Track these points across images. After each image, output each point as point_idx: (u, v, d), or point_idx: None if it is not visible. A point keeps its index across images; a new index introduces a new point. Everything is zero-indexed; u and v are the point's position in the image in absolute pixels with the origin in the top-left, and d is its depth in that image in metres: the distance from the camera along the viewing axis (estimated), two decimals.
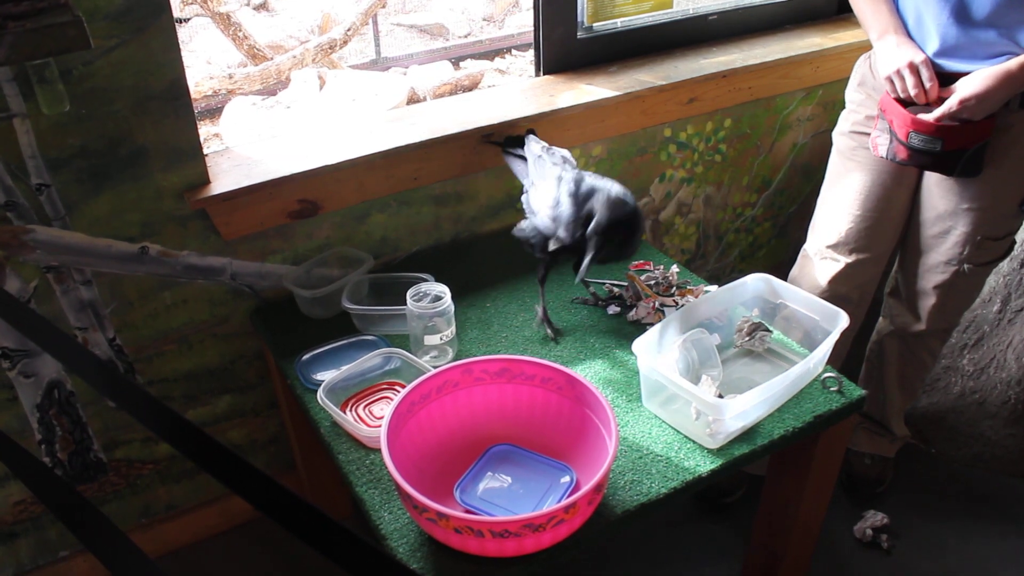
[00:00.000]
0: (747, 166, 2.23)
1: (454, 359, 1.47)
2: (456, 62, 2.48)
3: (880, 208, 1.71)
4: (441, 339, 1.47)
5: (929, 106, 1.50)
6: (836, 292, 1.77)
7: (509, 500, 1.21)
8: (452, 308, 1.47)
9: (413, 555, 1.15)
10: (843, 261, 1.77)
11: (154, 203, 1.51)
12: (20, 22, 1.13)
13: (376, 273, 1.69)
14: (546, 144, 1.63)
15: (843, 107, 1.78)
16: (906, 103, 1.52)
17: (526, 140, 1.66)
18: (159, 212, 1.52)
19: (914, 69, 1.49)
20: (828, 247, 1.79)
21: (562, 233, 1.45)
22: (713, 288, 1.59)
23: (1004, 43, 1.44)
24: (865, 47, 1.71)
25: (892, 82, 1.53)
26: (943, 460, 2.15)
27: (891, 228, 1.75)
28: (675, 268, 1.69)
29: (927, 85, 1.48)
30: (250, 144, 1.70)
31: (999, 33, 1.43)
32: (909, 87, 1.49)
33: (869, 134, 1.65)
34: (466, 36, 3.13)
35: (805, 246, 1.87)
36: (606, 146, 1.95)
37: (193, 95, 1.67)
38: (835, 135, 1.80)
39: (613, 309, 1.62)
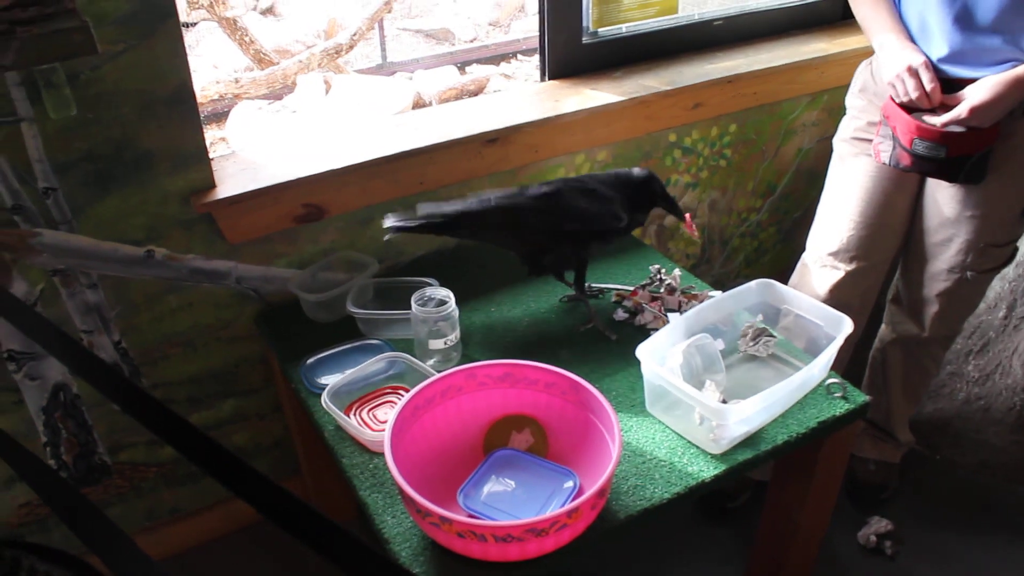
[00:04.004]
0: (752, 171, 2.23)
1: (458, 363, 1.48)
2: (462, 67, 2.49)
3: (881, 215, 1.71)
4: (445, 343, 1.47)
5: (933, 112, 1.50)
6: (838, 300, 1.76)
7: (512, 505, 1.21)
8: (456, 312, 1.47)
9: (416, 559, 1.15)
10: (844, 269, 1.77)
11: (160, 207, 1.52)
12: (28, 27, 1.14)
13: (381, 277, 1.69)
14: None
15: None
16: (910, 109, 1.52)
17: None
18: (165, 216, 1.53)
19: (913, 72, 1.48)
20: (829, 254, 1.78)
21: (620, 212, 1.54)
22: (718, 293, 1.59)
23: (1009, 49, 1.44)
24: (869, 52, 1.71)
25: (894, 87, 1.52)
26: (948, 466, 2.14)
27: (892, 235, 1.75)
28: (677, 272, 1.69)
29: (928, 87, 1.48)
30: (256, 148, 1.71)
31: (1004, 40, 1.43)
32: (910, 91, 1.49)
33: (870, 140, 1.65)
34: (472, 41, 3.14)
35: (804, 256, 1.86)
36: (611, 151, 1.96)
37: (199, 99, 1.68)
38: (835, 141, 1.79)
39: (620, 315, 1.62)
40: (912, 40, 1.54)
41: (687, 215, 1.56)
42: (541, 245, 1.55)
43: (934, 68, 1.50)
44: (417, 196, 1.75)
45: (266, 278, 1.69)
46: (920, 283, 1.77)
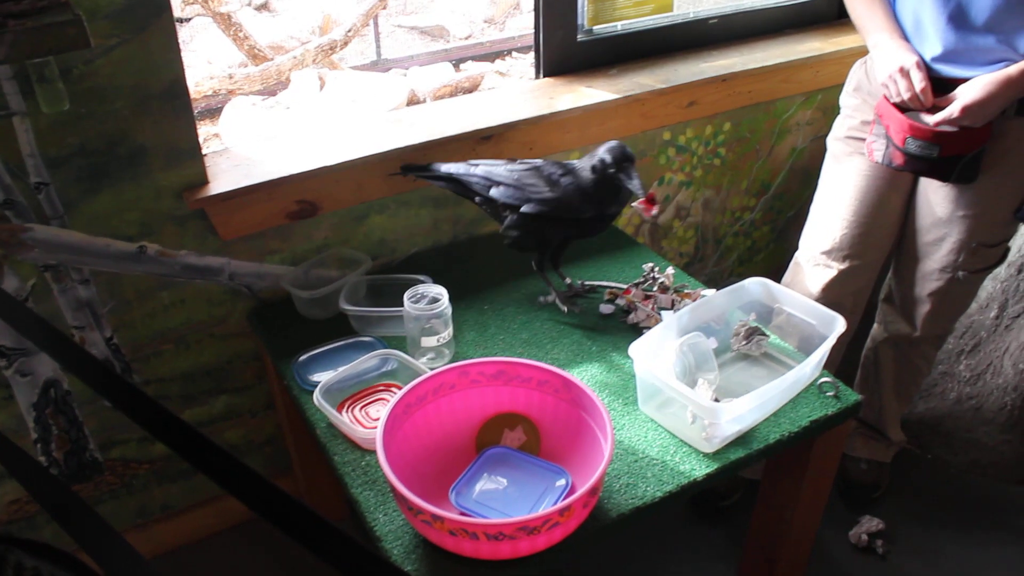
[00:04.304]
0: (746, 170, 2.23)
1: (451, 361, 1.48)
2: (456, 64, 2.49)
3: (874, 214, 1.71)
4: (438, 341, 1.47)
5: (926, 111, 1.50)
6: (830, 299, 1.77)
7: (504, 503, 1.21)
8: (449, 310, 1.47)
9: (408, 557, 1.15)
10: (836, 268, 1.77)
11: (153, 202, 1.51)
12: (20, 21, 1.13)
13: (374, 274, 1.69)
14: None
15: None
16: (903, 108, 1.53)
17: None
18: (157, 211, 1.52)
19: (905, 73, 1.49)
20: (822, 253, 1.78)
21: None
22: (711, 292, 1.60)
23: (1002, 49, 1.44)
24: (864, 52, 1.72)
25: (887, 87, 1.53)
26: (939, 466, 2.15)
27: (885, 234, 1.75)
28: (670, 270, 1.69)
29: (918, 88, 1.48)
30: (249, 144, 1.70)
31: (997, 39, 1.44)
32: (902, 91, 1.49)
33: (864, 139, 1.65)
34: (467, 38, 3.14)
35: (797, 254, 1.87)
36: None
37: (193, 95, 1.68)
38: (830, 140, 1.79)
39: (607, 308, 1.63)
40: (906, 39, 1.54)
41: (651, 192, 1.55)
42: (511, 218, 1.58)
43: (927, 68, 1.50)
44: (411, 193, 1.76)
45: (259, 275, 1.69)
46: (912, 282, 1.77)
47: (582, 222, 1.56)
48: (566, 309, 1.61)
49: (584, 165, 1.54)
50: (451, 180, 1.60)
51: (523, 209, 1.53)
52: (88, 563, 0.64)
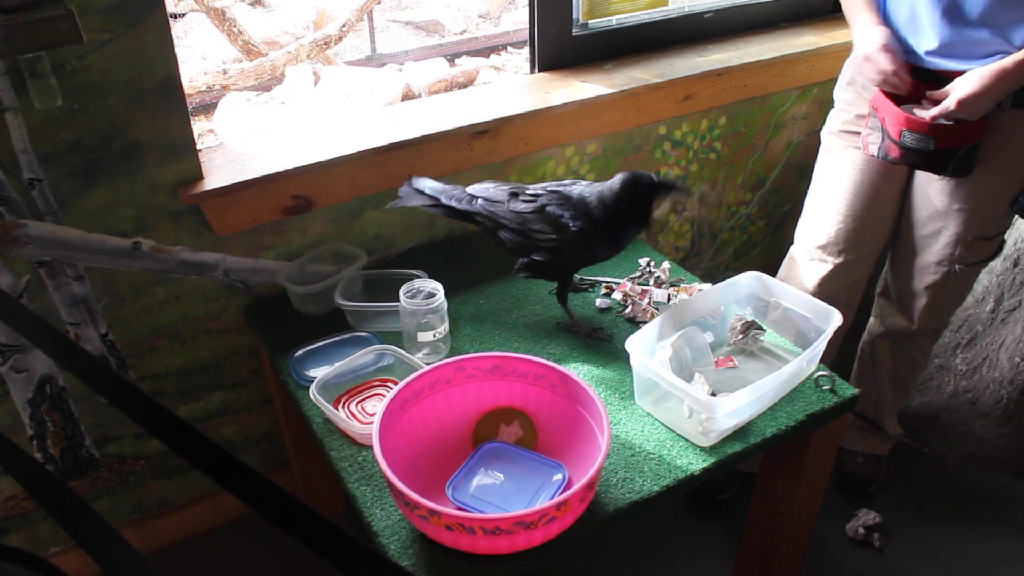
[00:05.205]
0: (742, 164, 2.23)
1: (447, 356, 1.47)
2: (452, 59, 2.48)
3: (869, 208, 1.71)
4: (434, 336, 1.47)
5: (921, 104, 1.51)
6: (825, 293, 1.77)
7: (501, 497, 1.21)
8: (445, 305, 1.47)
9: (404, 552, 1.14)
10: (831, 262, 1.77)
11: (147, 198, 1.51)
12: (12, 15, 1.13)
13: (370, 270, 1.68)
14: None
15: None
16: (899, 101, 1.53)
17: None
18: (152, 207, 1.52)
19: (868, 59, 1.51)
20: (817, 247, 1.78)
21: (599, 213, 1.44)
22: (707, 286, 1.60)
23: (997, 42, 1.44)
24: None
25: (862, 74, 1.55)
26: (936, 459, 2.16)
27: (880, 228, 1.75)
28: (667, 264, 1.69)
29: (888, 68, 1.49)
30: (244, 140, 1.70)
31: (992, 32, 1.43)
32: (868, 76, 1.52)
33: (859, 133, 1.65)
34: (462, 33, 3.13)
35: (792, 248, 1.87)
36: (601, 143, 1.95)
37: (187, 90, 1.67)
38: (824, 134, 1.79)
39: (603, 303, 1.62)
40: (887, 25, 1.54)
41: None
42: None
43: (922, 59, 1.51)
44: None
45: (254, 270, 1.68)
46: (908, 276, 1.78)
47: (596, 255, 1.52)
48: (590, 343, 1.54)
49: (593, 199, 1.43)
50: (454, 212, 1.53)
51: (533, 256, 1.48)
52: (68, 565, 0.63)
